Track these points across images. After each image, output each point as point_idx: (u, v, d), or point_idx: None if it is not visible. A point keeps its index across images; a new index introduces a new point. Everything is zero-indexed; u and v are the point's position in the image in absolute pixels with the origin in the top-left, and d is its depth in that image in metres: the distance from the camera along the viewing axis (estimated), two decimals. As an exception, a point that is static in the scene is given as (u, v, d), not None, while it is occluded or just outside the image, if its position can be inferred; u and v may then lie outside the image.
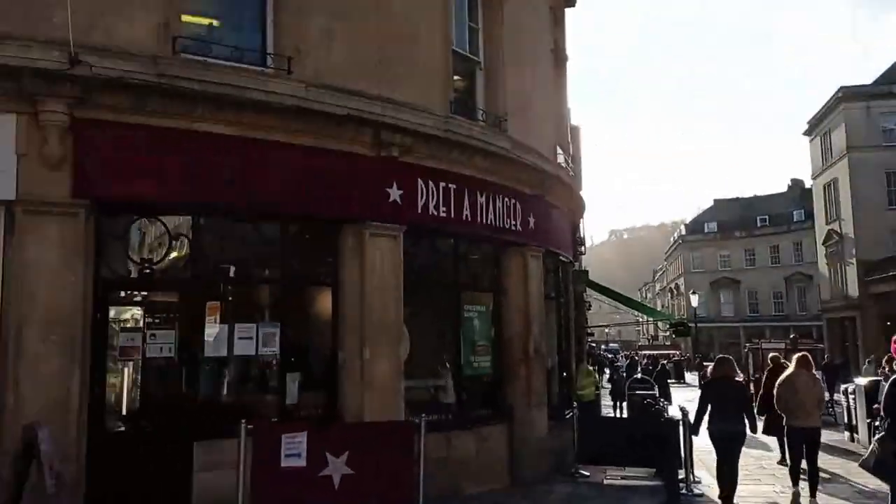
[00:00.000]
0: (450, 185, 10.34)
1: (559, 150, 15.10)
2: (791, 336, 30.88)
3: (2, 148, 7.20)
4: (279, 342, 8.65)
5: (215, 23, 9.20)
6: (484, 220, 10.90)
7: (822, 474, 10.80)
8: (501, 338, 11.86)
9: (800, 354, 10.54)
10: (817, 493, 10.00)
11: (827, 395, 15.76)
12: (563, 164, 14.98)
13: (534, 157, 12.46)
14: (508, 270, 12.09)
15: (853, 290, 41.08)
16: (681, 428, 11.76)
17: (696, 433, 10.12)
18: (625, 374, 23.58)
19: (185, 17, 8.56)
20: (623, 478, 12.22)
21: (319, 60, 9.24)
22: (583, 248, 18.55)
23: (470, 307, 10.84)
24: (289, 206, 8.77)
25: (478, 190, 10.81)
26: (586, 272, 15.99)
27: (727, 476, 9.48)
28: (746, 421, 9.37)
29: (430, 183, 10.07)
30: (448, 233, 10.54)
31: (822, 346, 35.53)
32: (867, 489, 10.76)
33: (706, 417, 9.57)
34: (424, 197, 9.99)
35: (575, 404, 13.46)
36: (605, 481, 11.90)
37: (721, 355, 11.07)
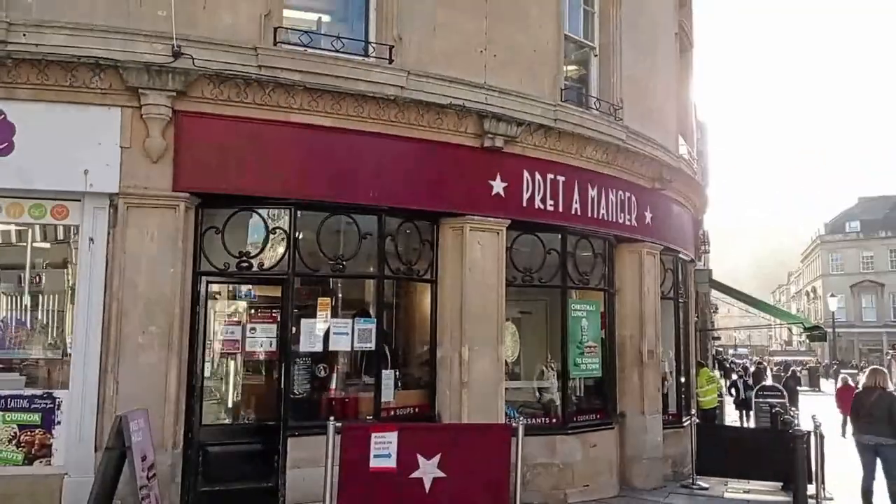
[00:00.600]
0: (558, 177, 9.81)
1: (682, 142, 14.19)
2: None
3: (107, 141, 7.31)
4: (375, 338, 8.43)
5: (316, 13, 9.10)
6: (595, 215, 10.29)
7: None
8: (613, 339, 11.21)
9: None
10: None
11: None
12: (686, 157, 14.06)
13: (652, 148, 11.70)
14: (622, 268, 11.41)
15: None
16: (812, 439, 10.76)
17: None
18: (750, 382, 22.07)
19: (287, 8, 8.48)
20: (746, 492, 11.30)
21: (422, 48, 8.96)
22: (706, 246, 17.42)
23: (579, 306, 10.24)
24: (388, 199, 8.52)
25: (589, 182, 10.21)
26: (710, 272, 14.94)
27: (870, 490, 8.98)
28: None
29: (537, 174, 9.57)
30: (556, 227, 9.98)
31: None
32: None
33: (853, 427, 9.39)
34: (530, 189, 9.51)
35: (693, 411, 12.54)
36: (726, 494, 11.04)
37: (875, 366, 10.92)
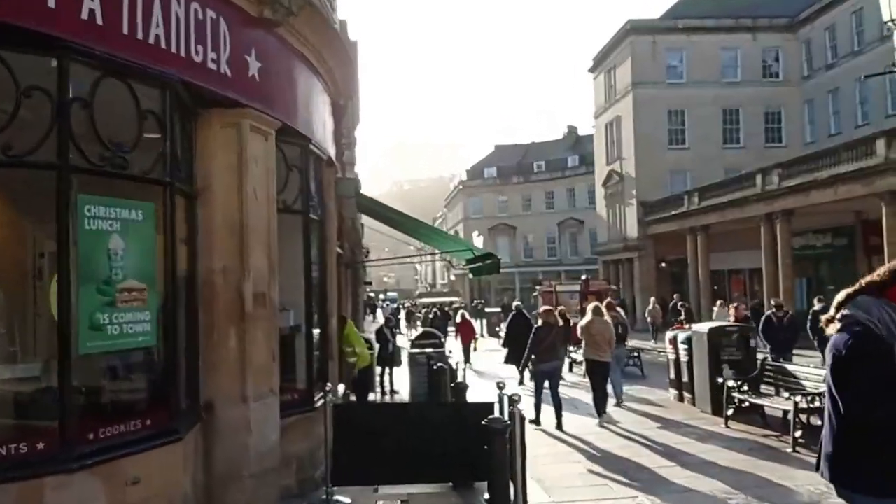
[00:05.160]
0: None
1: None
2: (583, 278, 28.53)
3: None
4: None
5: None
6: (137, 32, 5.24)
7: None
8: (192, 277, 6.41)
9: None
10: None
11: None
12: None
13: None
14: (210, 151, 6.63)
15: (632, 231, 40.00)
16: (497, 410, 7.25)
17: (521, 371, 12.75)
18: (393, 330, 18.62)
19: None
20: (404, 503, 7.39)
21: None
22: (352, 149, 13.36)
23: (104, 211, 5.15)
24: None
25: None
26: (357, 182, 10.76)
27: (555, 403, 11.54)
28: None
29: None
30: (89, 58, 4.82)
31: (614, 287, 33.57)
32: None
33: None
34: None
35: (331, 387, 8.09)
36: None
37: (546, 307, 13.59)
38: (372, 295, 66.83)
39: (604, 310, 12.35)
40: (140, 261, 5.40)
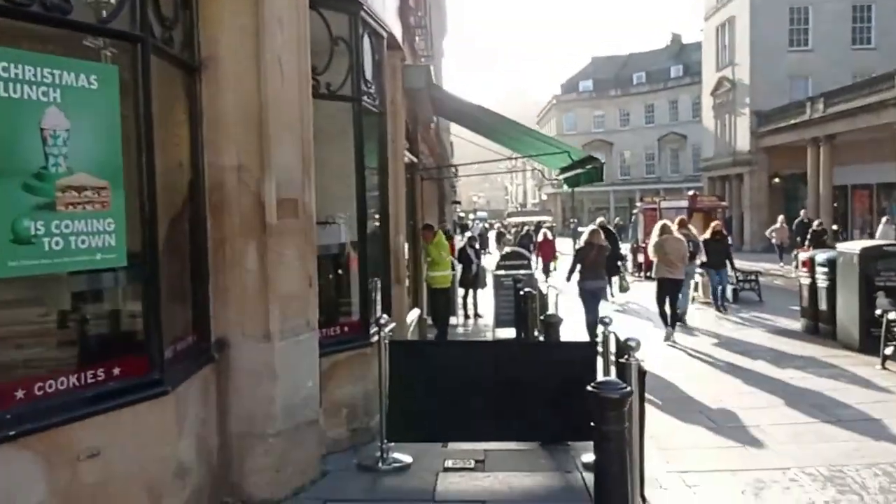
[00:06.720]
0: None
1: None
2: (690, 193, 25.96)
3: None
4: None
5: None
6: None
7: None
8: (196, 175, 4.87)
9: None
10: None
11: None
12: None
13: None
14: (215, 9, 4.94)
15: (743, 144, 36.51)
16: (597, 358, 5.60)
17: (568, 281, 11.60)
18: (478, 250, 16.87)
19: None
20: (480, 464, 5.75)
21: None
22: (427, 36, 11.43)
23: (38, 74, 3.56)
24: None
25: None
26: (428, 70, 8.89)
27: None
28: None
29: None
30: None
31: (725, 203, 30.69)
32: None
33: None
34: None
35: (387, 319, 6.34)
36: (439, 485, 5.36)
37: (592, 227, 12.39)
38: (462, 215, 65.22)
39: (673, 227, 12.36)
40: (96, 147, 3.82)
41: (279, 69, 5.14)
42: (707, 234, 14.81)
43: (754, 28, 35.12)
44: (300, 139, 5.37)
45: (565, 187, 15.88)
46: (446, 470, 5.60)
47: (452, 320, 13.84)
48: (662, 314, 11.84)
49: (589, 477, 5.13)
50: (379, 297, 7.24)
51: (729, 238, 17.00)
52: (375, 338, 6.11)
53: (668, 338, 11.56)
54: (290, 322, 5.15)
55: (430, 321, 12.64)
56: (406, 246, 9.17)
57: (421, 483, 5.34)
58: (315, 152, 5.57)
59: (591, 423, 3.91)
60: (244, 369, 4.96)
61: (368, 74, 6.97)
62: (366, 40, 6.88)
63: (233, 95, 5.00)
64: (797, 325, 12.31)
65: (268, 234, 5.02)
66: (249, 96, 5.02)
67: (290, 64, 5.27)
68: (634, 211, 29.19)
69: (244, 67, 5.02)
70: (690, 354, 10.72)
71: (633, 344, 4.42)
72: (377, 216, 7.55)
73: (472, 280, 15.15)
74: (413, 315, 10.46)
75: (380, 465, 5.64)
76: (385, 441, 5.73)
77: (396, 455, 5.76)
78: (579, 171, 10.89)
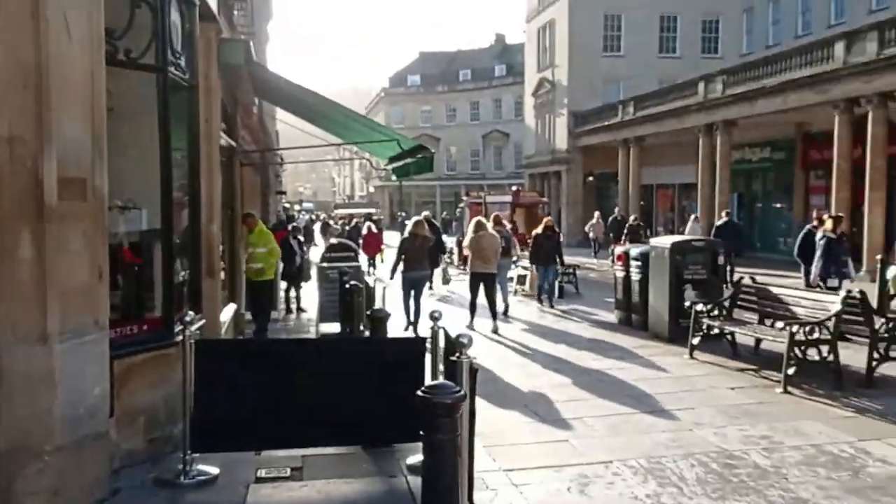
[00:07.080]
0: None
1: None
2: (513, 188, 26.72)
3: None
4: None
5: None
6: None
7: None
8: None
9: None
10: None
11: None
12: None
13: None
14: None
15: (561, 143, 38.25)
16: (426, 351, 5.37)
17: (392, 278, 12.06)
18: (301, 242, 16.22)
19: None
20: (297, 472, 5.32)
21: None
22: (244, 2, 10.70)
23: None
24: None
25: None
26: (247, 44, 8.21)
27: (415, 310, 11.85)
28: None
29: None
30: None
31: (546, 199, 31.86)
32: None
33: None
34: None
35: (193, 316, 5.67)
36: (250, 497, 4.87)
37: (417, 218, 13.05)
38: (287, 206, 63.52)
39: (488, 224, 13.06)
40: None
41: (65, 25, 4.41)
42: (539, 230, 15.15)
43: (572, 32, 36.84)
44: (91, 110, 4.66)
45: (393, 178, 15.65)
46: (258, 481, 5.11)
47: (274, 315, 13.18)
48: (472, 305, 12.33)
49: (414, 480, 4.86)
50: (186, 292, 6.57)
51: (561, 234, 17.54)
52: (180, 337, 5.48)
53: (494, 331, 11.80)
54: (74, 320, 4.45)
55: (249, 316, 11.93)
56: (221, 236, 8.49)
57: (229, 497, 4.83)
58: (114, 128, 4.90)
59: (420, 431, 3.61)
60: (15, 376, 4.20)
61: (177, 45, 6.26)
62: (174, 5, 6.18)
63: (2, 52, 4.21)
64: (613, 317, 12.84)
65: (46, 218, 4.29)
66: (25, 55, 4.26)
67: (79, 21, 4.55)
68: (461, 205, 29.69)
69: (18, 21, 4.25)
70: (512, 347, 10.83)
71: (464, 341, 4.17)
72: (187, 202, 6.85)
73: (296, 273, 14.53)
74: (229, 311, 9.76)
75: (182, 478, 5.04)
76: (189, 452, 5.13)
77: (201, 467, 5.18)
78: (409, 160, 10.63)
